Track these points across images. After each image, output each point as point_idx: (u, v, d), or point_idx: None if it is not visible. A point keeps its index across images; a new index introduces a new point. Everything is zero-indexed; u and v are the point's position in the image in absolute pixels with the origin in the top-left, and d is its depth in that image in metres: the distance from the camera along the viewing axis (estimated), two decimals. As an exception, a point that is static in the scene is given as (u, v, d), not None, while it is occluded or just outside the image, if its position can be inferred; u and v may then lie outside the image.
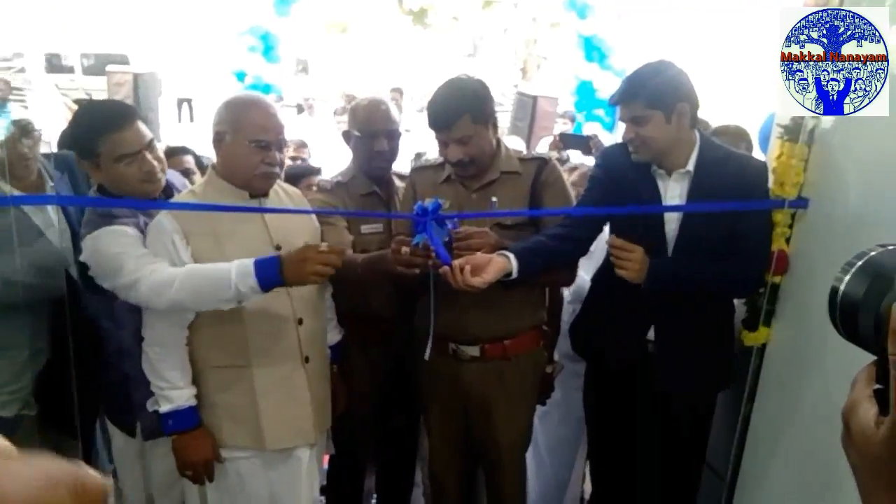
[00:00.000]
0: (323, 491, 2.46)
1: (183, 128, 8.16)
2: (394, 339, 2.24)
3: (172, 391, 1.74)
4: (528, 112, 7.92)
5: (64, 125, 2.02)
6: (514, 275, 1.82)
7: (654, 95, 1.82)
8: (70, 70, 11.04)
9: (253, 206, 1.82)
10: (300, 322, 1.85)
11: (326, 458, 2.42)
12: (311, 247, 1.67)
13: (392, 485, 2.57)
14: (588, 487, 2.62)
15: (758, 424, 2.02)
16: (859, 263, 0.49)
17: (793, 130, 1.83)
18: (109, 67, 8.10)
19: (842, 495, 0.45)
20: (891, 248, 0.48)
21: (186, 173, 2.49)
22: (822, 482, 1.69)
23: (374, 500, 2.67)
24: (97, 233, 1.70)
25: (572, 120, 7.12)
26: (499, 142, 2.03)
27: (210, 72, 8.32)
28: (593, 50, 7.82)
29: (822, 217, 1.80)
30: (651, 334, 2.00)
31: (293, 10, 8.28)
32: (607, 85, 7.41)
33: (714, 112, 2.66)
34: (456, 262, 1.75)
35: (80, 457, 1.89)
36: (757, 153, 2.56)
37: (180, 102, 8.99)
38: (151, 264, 1.67)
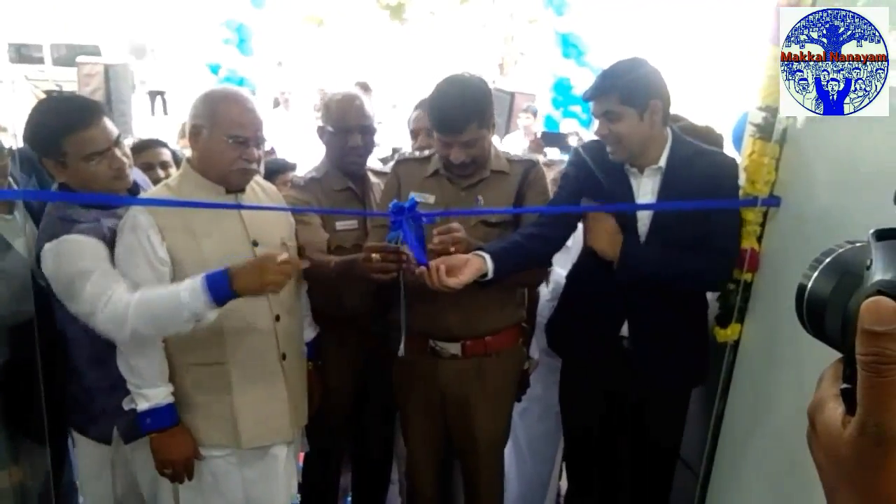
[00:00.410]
0: (298, 489, 2.45)
1: (156, 121, 8.04)
2: (369, 336, 2.23)
3: (149, 389, 1.71)
4: (506, 108, 7.94)
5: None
6: (490, 275, 1.82)
7: (627, 92, 1.83)
8: (40, 60, 10.82)
9: (230, 201, 1.79)
10: (277, 319, 1.84)
11: (301, 455, 2.40)
12: (268, 256, 1.64)
13: (368, 482, 2.56)
14: (564, 484, 2.64)
15: (731, 420, 2.04)
16: (827, 261, 0.48)
17: (765, 129, 1.85)
18: (80, 58, 7.96)
19: (814, 492, 0.46)
20: (858, 244, 0.47)
21: (164, 166, 2.44)
22: (795, 478, 1.71)
23: (349, 498, 2.66)
24: (56, 244, 1.65)
25: (534, 115, 7.09)
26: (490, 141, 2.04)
27: (184, 64, 8.21)
28: (570, 47, 7.84)
29: (794, 215, 1.82)
30: (625, 330, 2.01)
31: (269, 3, 8.19)
32: (584, 82, 7.41)
33: (688, 110, 2.68)
34: (432, 263, 1.73)
35: (48, 464, 1.84)
36: (731, 152, 2.58)
37: (153, 95, 8.86)
38: (107, 292, 1.62)
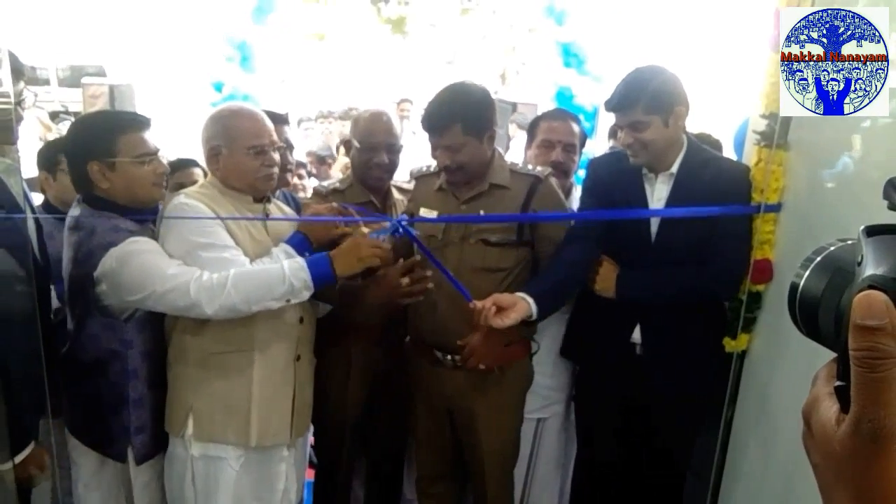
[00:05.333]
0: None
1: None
2: (379, 347, 2.23)
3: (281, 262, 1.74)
4: (508, 119, 7.94)
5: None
6: (534, 317, 1.87)
7: (652, 101, 1.86)
8: (45, 82, 10.88)
9: (258, 212, 1.88)
10: (301, 321, 1.90)
11: (312, 471, 2.40)
12: (356, 238, 1.76)
13: (379, 498, 2.54)
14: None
15: (739, 429, 2.03)
16: (818, 259, 0.48)
17: (769, 136, 1.84)
18: (85, 79, 8.02)
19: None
20: (850, 241, 0.47)
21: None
22: (805, 486, 1.69)
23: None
24: (123, 247, 1.70)
25: None
26: (493, 153, 2.03)
27: (187, 83, 8.25)
28: (571, 56, 7.86)
29: (800, 221, 1.81)
30: (637, 336, 2.03)
31: (270, 19, 8.23)
32: (585, 91, 7.43)
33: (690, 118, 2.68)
34: (485, 303, 1.78)
35: (53, 481, 1.83)
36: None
37: (157, 114, 8.90)
38: (196, 271, 1.68)
